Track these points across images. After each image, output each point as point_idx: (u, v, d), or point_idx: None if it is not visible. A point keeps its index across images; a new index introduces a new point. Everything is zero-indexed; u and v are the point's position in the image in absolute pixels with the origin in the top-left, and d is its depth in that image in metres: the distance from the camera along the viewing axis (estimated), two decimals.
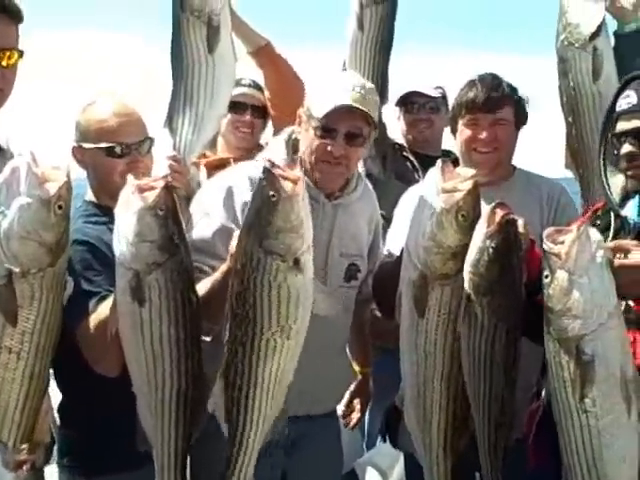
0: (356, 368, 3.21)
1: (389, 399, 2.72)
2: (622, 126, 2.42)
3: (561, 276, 2.06)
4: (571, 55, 3.16)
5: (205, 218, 2.61)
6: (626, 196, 2.48)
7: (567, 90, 3.19)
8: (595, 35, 3.12)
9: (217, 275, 2.38)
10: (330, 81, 2.74)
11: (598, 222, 2.54)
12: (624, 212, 2.45)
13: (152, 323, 2.24)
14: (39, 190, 2.12)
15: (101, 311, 2.36)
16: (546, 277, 2.11)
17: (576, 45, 3.14)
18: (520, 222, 2.35)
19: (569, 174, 3.28)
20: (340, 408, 3.15)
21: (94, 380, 2.43)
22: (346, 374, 3.00)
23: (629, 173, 2.42)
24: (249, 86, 3.64)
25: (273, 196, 2.14)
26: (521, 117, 3.09)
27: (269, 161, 2.19)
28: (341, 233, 2.76)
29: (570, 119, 3.20)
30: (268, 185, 2.15)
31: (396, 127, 3.94)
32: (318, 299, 2.24)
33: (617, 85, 3.07)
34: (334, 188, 2.73)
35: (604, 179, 2.53)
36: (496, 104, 2.99)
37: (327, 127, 2.60)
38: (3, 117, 2.57)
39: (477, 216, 2.34)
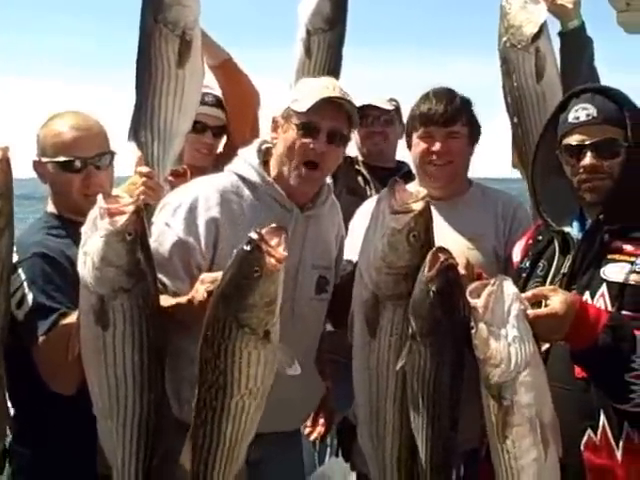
0: None
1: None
2: (581, 138, 2.39)
3: (481, 327, 2.17)
4: (514, 56, 3.15)
5: (164, 229, 2.55)
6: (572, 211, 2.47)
7: (511, 91, 3.18)
8: (537, 36, 3.11)
9: (173, 302, 2.40)
10: (310, 82, 2.75)
11: (540, 237, 2.54)
12: (567, 228, 2.46)
13: (115, 348, 2.23)
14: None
15: (61, 328, 2.33)
16: (472, 328, 2.20)
17: (518, 46, 3.13)
18: (462, 262, 2.36)
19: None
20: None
21: (48, 397, 2.39)
22: (319, 389, 2.95)
23: (589, 185, 2.40)
24: (211, 105, 3.53)
25: (256, 271, 2.12)
26: (475, 132, 3.09)
27: (258, 233, 2.15)
28: (312, 245, 2.72)
29: (515, 120, 3.19)
30: (253, 259, 2.12)
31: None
32: (282, 360, 2.24)
33: (560, 85, 3.11)
34: (309, 194, 2.69)
35: (535, 190, 2.54)
36: (451, 118, 2.98)
37: (310, 123, 2.57)
38: None
39: (429, 236, 2.35)
